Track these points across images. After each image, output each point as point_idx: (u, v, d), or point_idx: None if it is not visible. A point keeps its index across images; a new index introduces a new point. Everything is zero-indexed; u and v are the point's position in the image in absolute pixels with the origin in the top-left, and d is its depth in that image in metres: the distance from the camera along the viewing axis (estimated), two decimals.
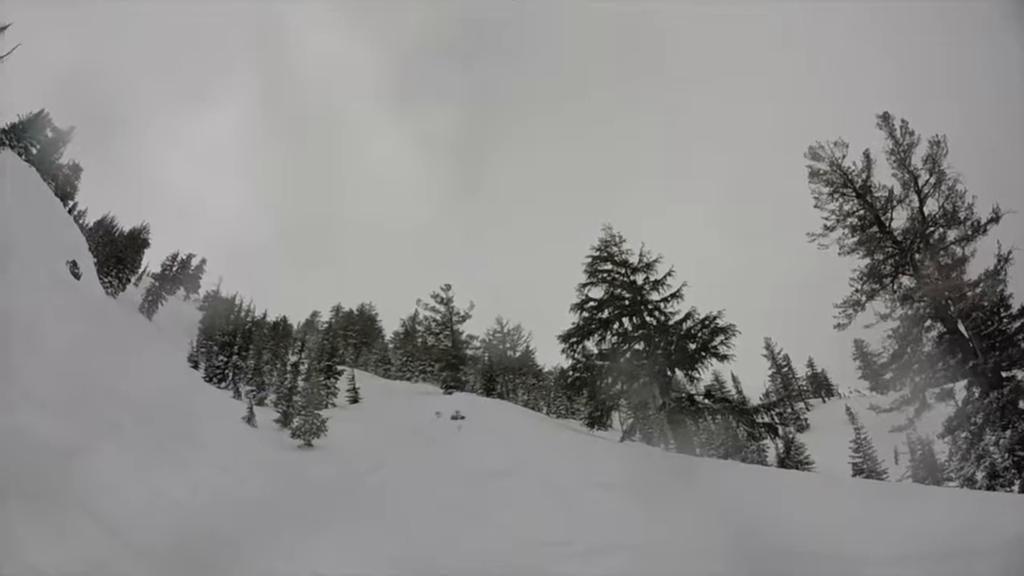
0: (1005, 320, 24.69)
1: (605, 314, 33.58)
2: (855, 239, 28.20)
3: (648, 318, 32.78)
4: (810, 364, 63.46)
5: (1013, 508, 15.03)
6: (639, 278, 33.62)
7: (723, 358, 31.14)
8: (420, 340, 51.47)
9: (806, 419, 54.24)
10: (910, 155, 26.99)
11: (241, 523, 14.35)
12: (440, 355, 46.84)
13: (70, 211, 35.24)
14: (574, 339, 33.72)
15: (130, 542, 11.12)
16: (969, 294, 25.19)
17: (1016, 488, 22.42)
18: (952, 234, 26.29)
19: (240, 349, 34.42)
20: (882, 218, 27.71)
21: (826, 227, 28.65)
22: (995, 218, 25.36)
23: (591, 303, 34.03)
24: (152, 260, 43.41)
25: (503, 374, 51.51)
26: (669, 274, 33.08)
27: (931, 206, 26.78)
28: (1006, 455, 23.00)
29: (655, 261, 33.58)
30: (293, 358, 37.50)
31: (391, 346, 56.61)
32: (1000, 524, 11.88)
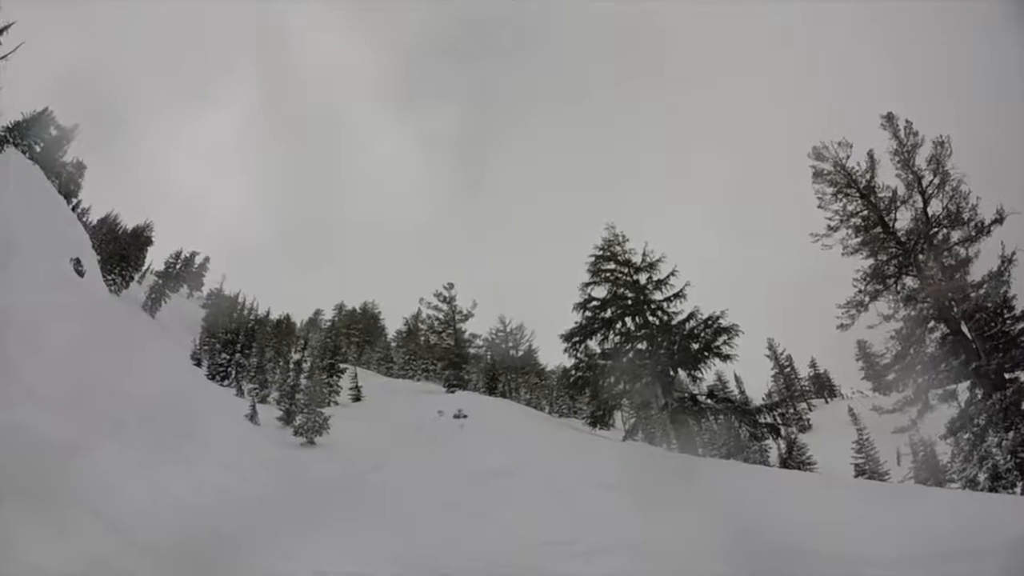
0: (1008, 322, 24.64)
1: (608, 313, 33.55)
2: (859, 239, 28.14)
3: (651, 318, 32.75)
4: (813, 365, 63.40)
5: (1015, 510, 15.01)
6: (642, 278, 33.58)
7: (726, 358, 31.12)
8: (423, 339, 51.44)
9: (808, 420, 54.19)
10: (914, 155, 26.93)
11: (243, 521, 14.37)
12: (443, 354, 46.82)
13: (74, 209, 35.30)
14: (577, 338, 33.70)
15: (132, 540, 11.14)
16: (973, 295, 25.13)
17: (1019, 490, 22.38)
18: (956, 235, 26.23)
19: (243, 347, 34.47)
20: (886, 219, 27.65)
21: (830, 227, 28.60)
22: (999, 219, 25.30)
23: (594, 302, 34.00)
24: (155, 258, 43.37)
25: (505, 373, 51.51)
26: (672, 274, 33.05)
27: (935, 207, 26.74)
28: (1008, 457, 22.95)
29: (658, 261, 33.55)
30: (296, 356, 37.59)
31: (394, 344, 56.63)
32: (1002, 526, 11.88)
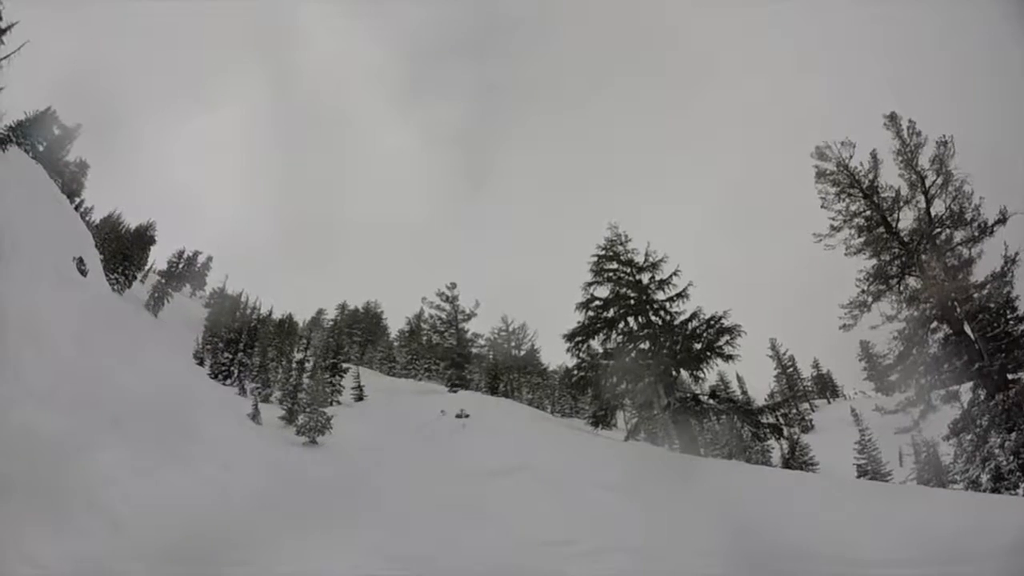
0: (1011, 322, 24.53)
1: (610, 313, 33.53)
2: (861, 240, 28.06)
3: (653, 317, 32.72)
4: (815, 365, 63.23)
5: (1016, 511, 14.96)
6: (645, 277, 33.56)
7: (728, 358, 31.07)
8: (425, 338, 51.53)
9: (811, 420, 54.03)
10: (917, 156, 26.84)
11: (243, 520, 14.39)
12: (445, 353, 46.90)
13: (77, 208, 35.34)
14: (579, 338, 33.68)
15: (132, 538, 11.16)
16: (975, 296, 25.05)
17: (1021, 491, 22.29)
18: (959, 235, 26.13)
19: (245, 346, 34.50)
20: (889, 219, 27.56)
21: (832, 227, 28.51)
22: (1002, 219, 25.21)
23: (596, 302, 33.98)
24: (158, 257, 43.41)
25: (508, 373, 51.52)
26: (675, 273, 33.02)
27: (938, 207, 26.64)
28: (1011, 458, 22.88)
29: (660, 261, 33.53)
30: (298, 356, 37.59)
31: (396, 344, 56.62)
32: (1003, 527, 11.83)
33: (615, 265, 34.33)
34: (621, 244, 34.59)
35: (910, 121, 27.00)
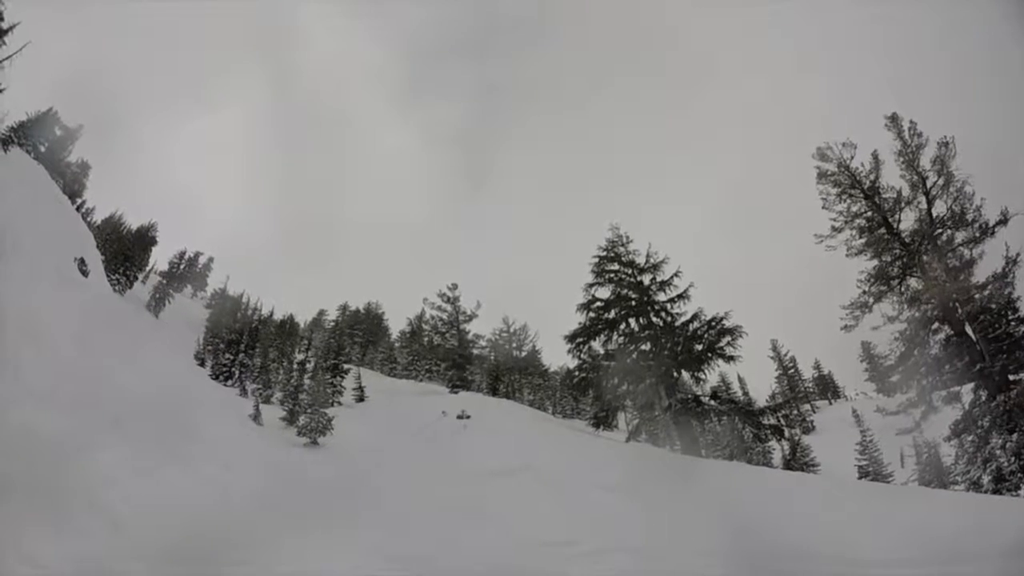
0: (1013, 323, 24.51)
1: (612, 314, 33.52)
2: (863, 240, 28.04)
3: (655, 319, 32.71)
4: (816, 366, 63.15)
5: (1016, 512, 14.95)
6: (646, 279, 33.56)
7: (729, 359, 31.06)
8: (426, 339, 51.53)
9: (812, 421, 53.94)
10: (918, 156, 26.83)
11: (244, 521, 14.40)
12: (446, 354, 46.92)
13: (78, 209, 35.34)
14: (580, 339, 33.68)
15: (132, 537, 11.17)
16: (977, 297, 25.03)
17: (1022, 492, 22.29)
18: (960, 236, 26.12)
19: (247, 347, 34.48)
20: (890, 220, 27.55)
21: (834, 228, 28.49)
22: (1003, 220, 25.19)
23: (598, 303, 33.98)
24: (159, 258, 43.38)
25: (509, 374, 51.51)
26: (676, 275, 33.02)
27: (939, 208, 26.63)
28: (1012, 459, 22.87)
29: (662, 262, 33.53)
30: (299, 356, 37.55)
31: (397, 345, 56.59)
32: (1003, 528, 11.82)
33: (616, 266, 34.34)
34: (622, 245, 34.60)
35: (911, 122, 27.00)
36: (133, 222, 40.28)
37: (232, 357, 33.41)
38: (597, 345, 33.74)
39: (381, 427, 29.05)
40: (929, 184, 26.64)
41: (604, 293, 34.12)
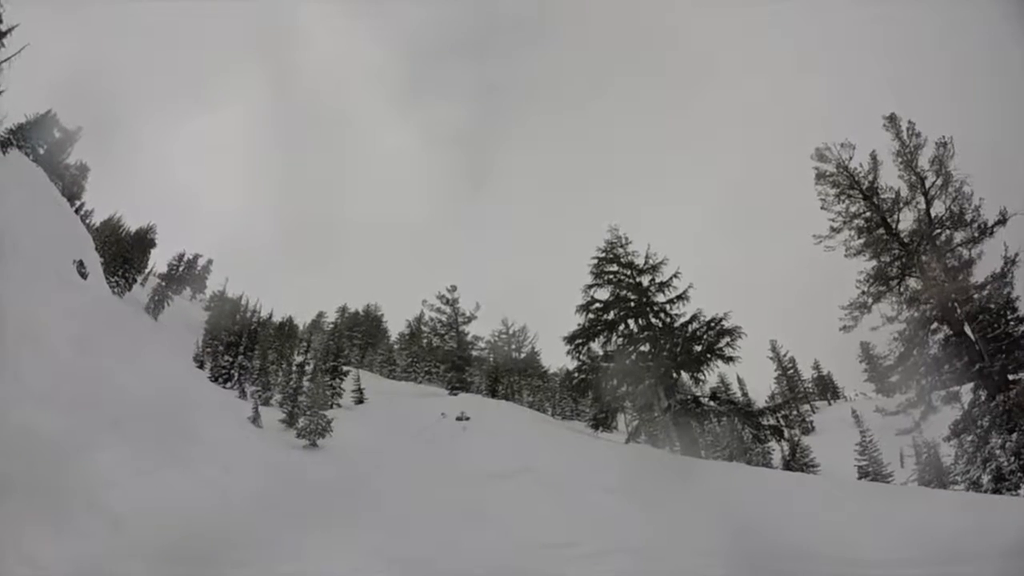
0: (1012, 323, 24.53)
1: (611, 316, 33.57)
2: (861, 241, 28.08)
3: (654, 320, 32.76)
4: (816, 367, 63.27)
5: (1016, 512, 14.96)
6: (645, 280, 33.62)
7: (729, 360, 31.10)
8: (425, 341, 51.55)
9: (812, 422, 54.02)
10: (917, 157, 26.87)
11: (243, 522, 14.39)
12: (445, 356, 46.95)
13: (77, 211, 35.35)
14: (579, 340, 33.72)
15: (132, 539, 11.16)
16: (975, 297, 25.05)
17: (1022, 492, 22.30)
18: (959, 236, 26.15)
19: (246, 349, 34.45)
20: (889, 220, 27.58)
21: (833, 229, 28.53)
22: (1002, 220, 25.23)
23: (597, 304, 34.03)
24: (158, 260, 43.41)
25: (508, 375, 51.54)
26: (675, 276, 33.10)
27: (938, 208, 26.67)
28: (1012, 458, 22.88)
29: (661, 263, 33.60)
30: (299, 358, 37.53)
31: (396, 347, 56.61)
32: (1002, 528, 11.83)
33: (615, 267, 34.40)
34: (621, 246, 34.66)
35: (910, 122, 27.05)
36: (132, 224, 40.36)
37: (231, 359, 33.38)
38: (596, 346, 33.83)
39: (380, 429, 29.02)
40: (928, 184, 26.67)
41: (603, 294, 34.21)
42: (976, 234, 25.75)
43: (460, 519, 16.97)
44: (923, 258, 26.56)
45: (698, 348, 31.48)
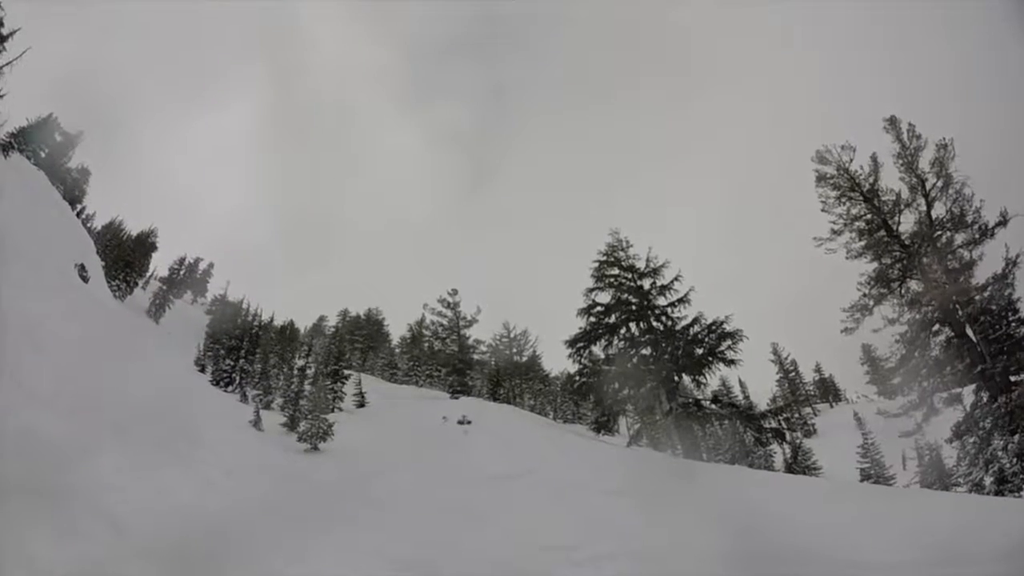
0: (1013, 324, 24.53)
1: (612, 319, 33.60)
2: (862, 243, 28.11)
3: (655, 323, 32.78)
4: (818, 369, 63.27)
5: (1018, 513, 14.92)
6: (646, 283, 33.67)
7: (730, 363, 31.12)
8: (427, 345, 51.62)
9: (813, 424, 53.99)
10: (917, 158, 26.91)
11: (245, 526, 14.38)
12: (446, 360, 47.01)
13: (79, 214, 35.40)
14: (581, 344, 33.75)
15: (133, 542, 11.14)
16: (977, 298, 25.06)
17: None
18: (959, 238, 26.18)
19: (247, 353, 34.52)
20: (889, 222, 27.61)
21: (833, 231, 28.58)
22: (1003, 221, 25.25)
23: (598, 308, 34.08)
24: (160, 264, 43.56)
25: (509, 379, 51.54)
26: (676, 279, 33.15)
27: (938, 210, 26.71)
28: (1014, 460, 22.86)
29: (662, 266, 33.64)
30: (300, 362, 37.52)
31: (398, 351, 56.64)
32: (1004, 529, 11.80)
33: (616, 271, 34.44)
34: (622, 250, 34.70)
35: (910, 124, 27.10)
36: (133, 226, 40.57)
37: (232, 363, 33.46)
38: (598, 350, 33.89)
39: (382, 433, 29.02)
40: (928, 186, 26.70)
41: (604, 298, 34.27)
42: (977, 235, 25.77)
43: (461, 522, 16.94)
44: (924, 260, 26.56)
45: (699, 351, 31.50)
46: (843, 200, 28.47)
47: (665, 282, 33.38)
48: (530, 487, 20.48)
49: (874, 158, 28.02)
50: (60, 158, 33.97)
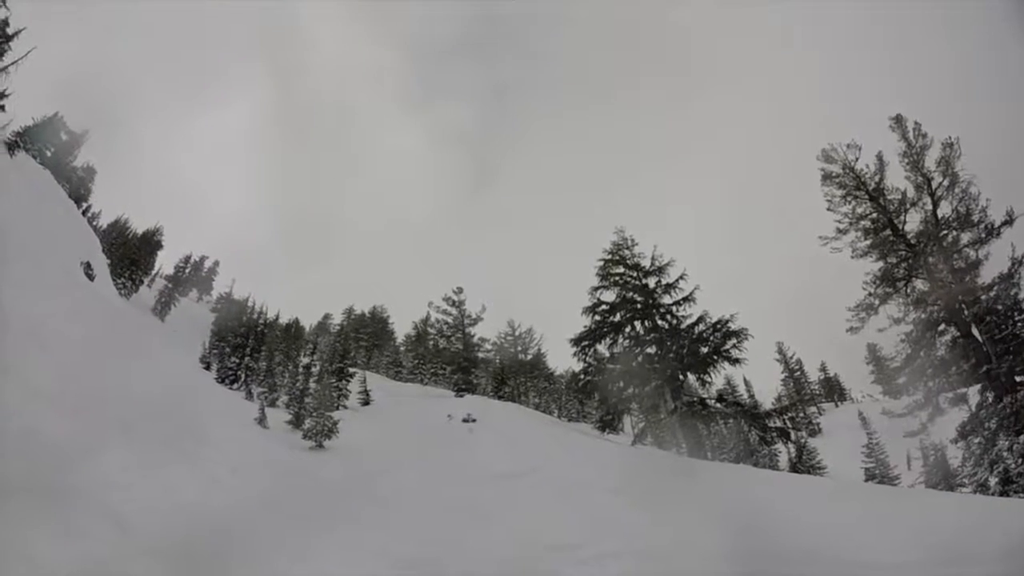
0: (1019, 324, 24.45)
1: (617, 317, 33.57)
2: (868, 242, 28.05)
3: (660, 322, 32.75)
4: (823, 368, 63.25)
5: (1022, 514, 14.88)
6: (651, 281, 33.64)
7: (735, 362, 31.07)
8: (432, 343, 51.67)
9: (818, 423, 53.94)
10: (923, 157, 26.83)
11: (250, 523, 14.40)
12: (451, 358, 47.02)
13: (84, 213, 35.53)
14: (586, 342, 33.75)
15: (138, 541, 11.17)
16: (983, 298, 24.99)
17: None
18: (965, 237, 26.10)
19: (252, 351, 34.58)
20: (895, 221, 27.54)
21: (839, 230, 28.52)
22: (1009, 220, 25.17)
23: (603, 306, 34.06)
24: (165, 262, 43.69)
25: (514, 377, 51.59)
26: (681, 277, 33.11)
27: (944, 209, 26.62)
28: (1020, 460, 22.79)
29: (667, 265, 33.62)
30: (305, 360, 37.60)
31: (403, 349, 56.78)
32: (1008, 530, 11.78)
33: (621, 269, 34.41)
34: (627, 248, 34.67)
35: (915, 123, 27.01)
36: (139, 225, 40.77)
37: (238, 360, 33.52)
38: (603, 348, 33.87)
39: (386, 430, 29.04)
40: (934, 185, 26.63)
41: (609, 296, 34.24)
42: (983, 235, 25.69)
43: (466, 520, 16.95)
44: (930, 259, 26.50)
45: (704, 350, 31.47)
46: (849, 199, 28.41)
47: (670, 280, 33.36)
48: (535, 486, 20.48)
49: (880, 157, 27.97)
50: (66, 157, 34.04)
